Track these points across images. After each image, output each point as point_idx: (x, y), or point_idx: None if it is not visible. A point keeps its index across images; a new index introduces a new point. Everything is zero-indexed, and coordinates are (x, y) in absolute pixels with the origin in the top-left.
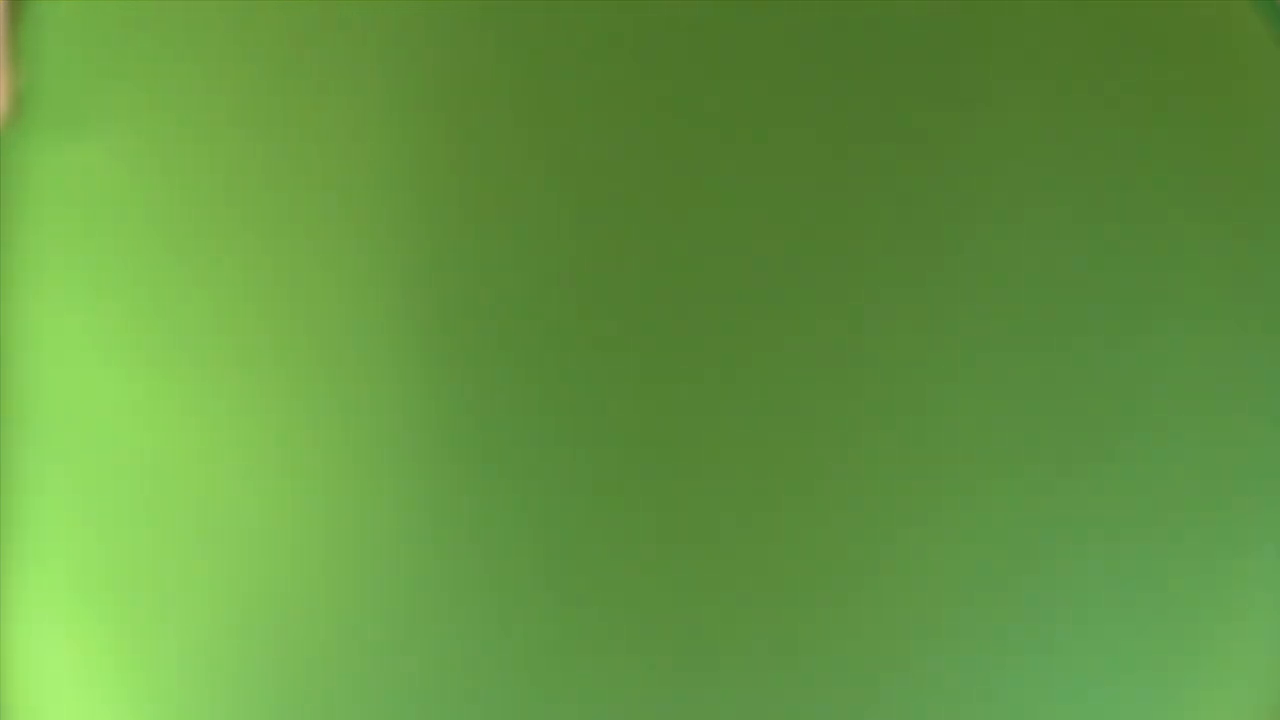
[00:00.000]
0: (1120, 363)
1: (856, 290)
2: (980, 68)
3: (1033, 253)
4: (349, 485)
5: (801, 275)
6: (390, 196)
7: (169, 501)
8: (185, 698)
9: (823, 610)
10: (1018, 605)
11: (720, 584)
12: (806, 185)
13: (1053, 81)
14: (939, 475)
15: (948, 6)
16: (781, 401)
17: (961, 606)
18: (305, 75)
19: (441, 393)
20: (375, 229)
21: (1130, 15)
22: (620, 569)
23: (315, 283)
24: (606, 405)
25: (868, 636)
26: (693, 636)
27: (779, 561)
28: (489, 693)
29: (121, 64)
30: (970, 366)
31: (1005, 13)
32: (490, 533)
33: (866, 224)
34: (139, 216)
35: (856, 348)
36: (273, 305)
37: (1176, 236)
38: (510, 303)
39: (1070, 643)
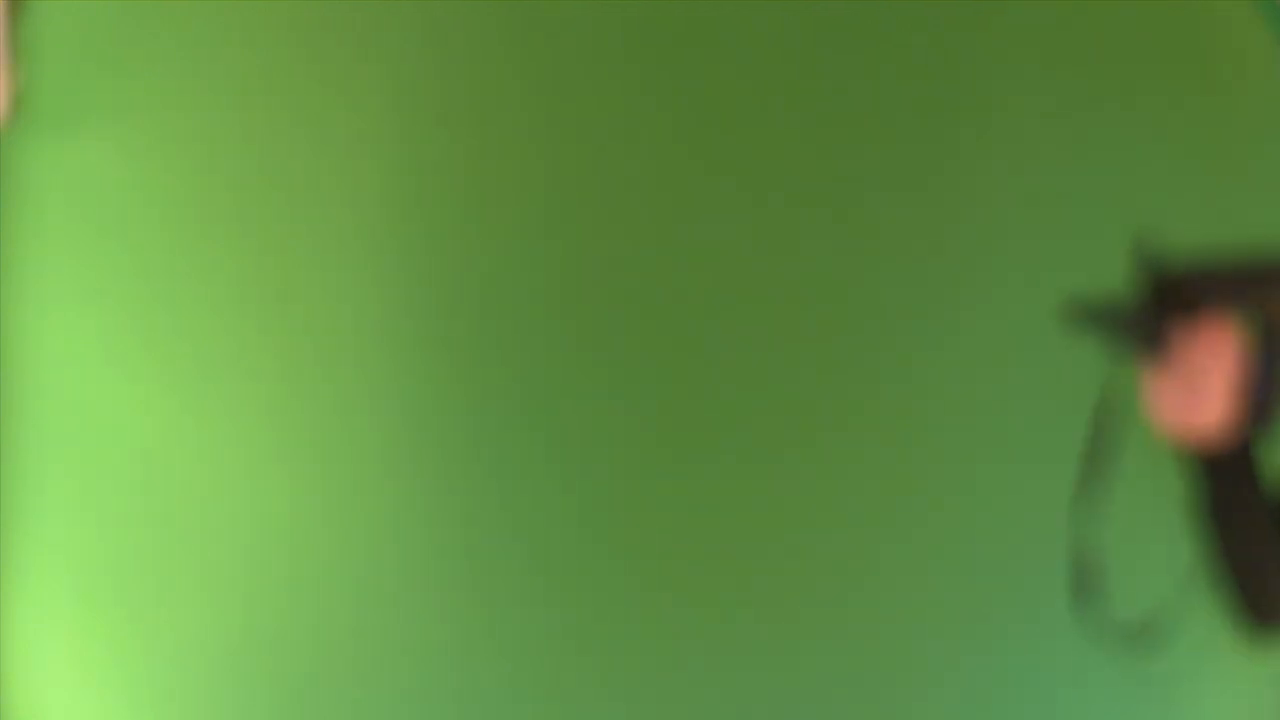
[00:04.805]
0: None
1: (851, 297)
2: (981, 71)
3: (1031, 254)
4: (347, 485)
5: (798, 279)
6: (387, 198)
7: (169, 501)
8: (184, 695)
9: (815, 611)
10: (1015, 604)
11: (710, 584)
12: (804, 189)
13: (1054, 83)
14: (932, 478)
15: (949, 10)
16: (773, 399)
17: (956, 606)
18: (303, 76)
19: (437, 394)
20: (372, 230)
21: (1131, 16)
22: (609, 568)
23: (313, 283)
24: (598, 407)
25: (860, 637)
26: (682, 635)
27: (770, 562)
28: (481, 687)
29: (121, 64)
30: (970, 369)
31: (1006, 14)
32: (484, 530)
33: (868, 229)
34: (138, 216)
35: (852, 353)
36: (271, 305)
37: (1175, 236)
38: (505, 303)
39: (1067, 643)
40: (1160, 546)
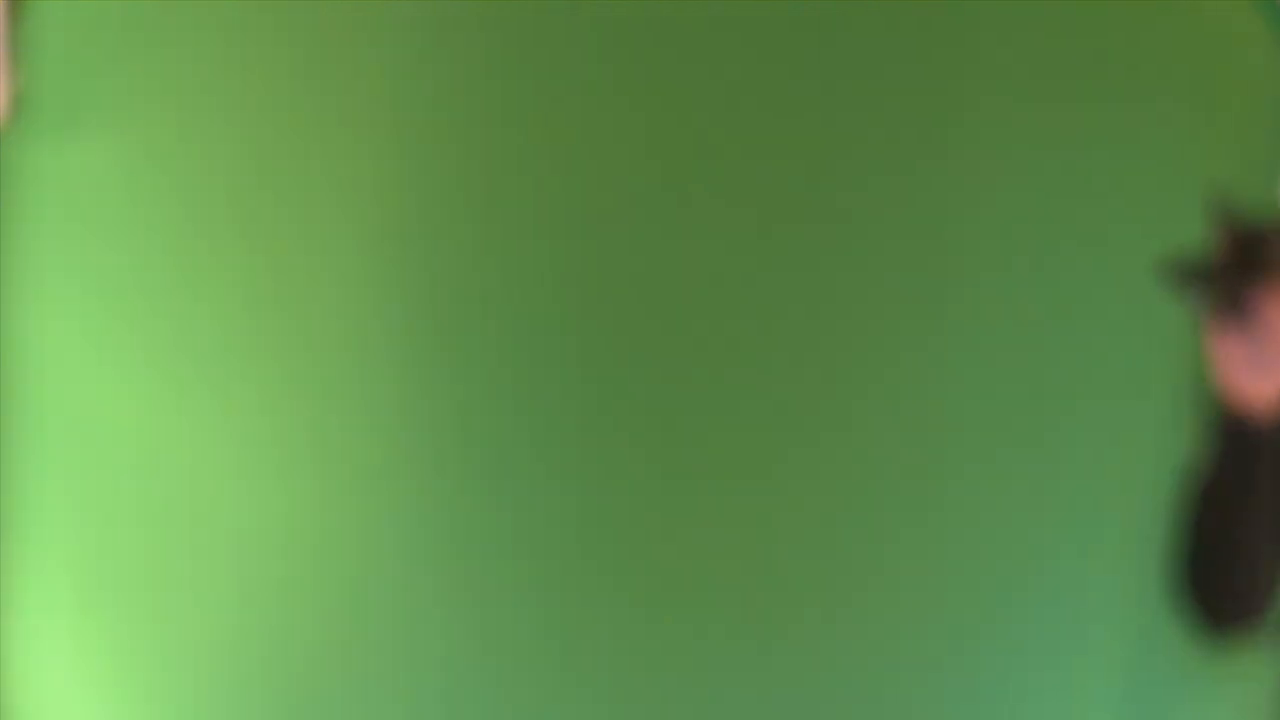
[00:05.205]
0: (1119, 358)
1: (846, 302)
2: (980, 74)
3: (1027, 257)
4: (343, 486)
5: (795, 279)
6: (383, 200)
7: (168, 501)
8: (182, 693)
9: (811, 613)
10: (1014, 601)
11: (705, 586)
12: (799, 190)
13: (1054, 84)
14: (931, 475)
15: (951, 12)
16: (771, 404)
17: (956, 605)
18: (301, 78)
19: (431, 398)
20: (368, 232)
21: (1132, 17)
22: (603, 570)
23: (310, 284)
24: (591, 412)
25: (857, 637)
26: (677, 636)
27: (765, 566)
28: (473, 687)
29: (121, 64)
30: (964, 367)
31: (1011, 16)
32: (477, 532)
33: (864, 229)
34: (137, 216)
35: (849, 358)
36: (268, 306)
37: (1177, 239)
38: (502, 304)
39: (1065, 641)
40: None
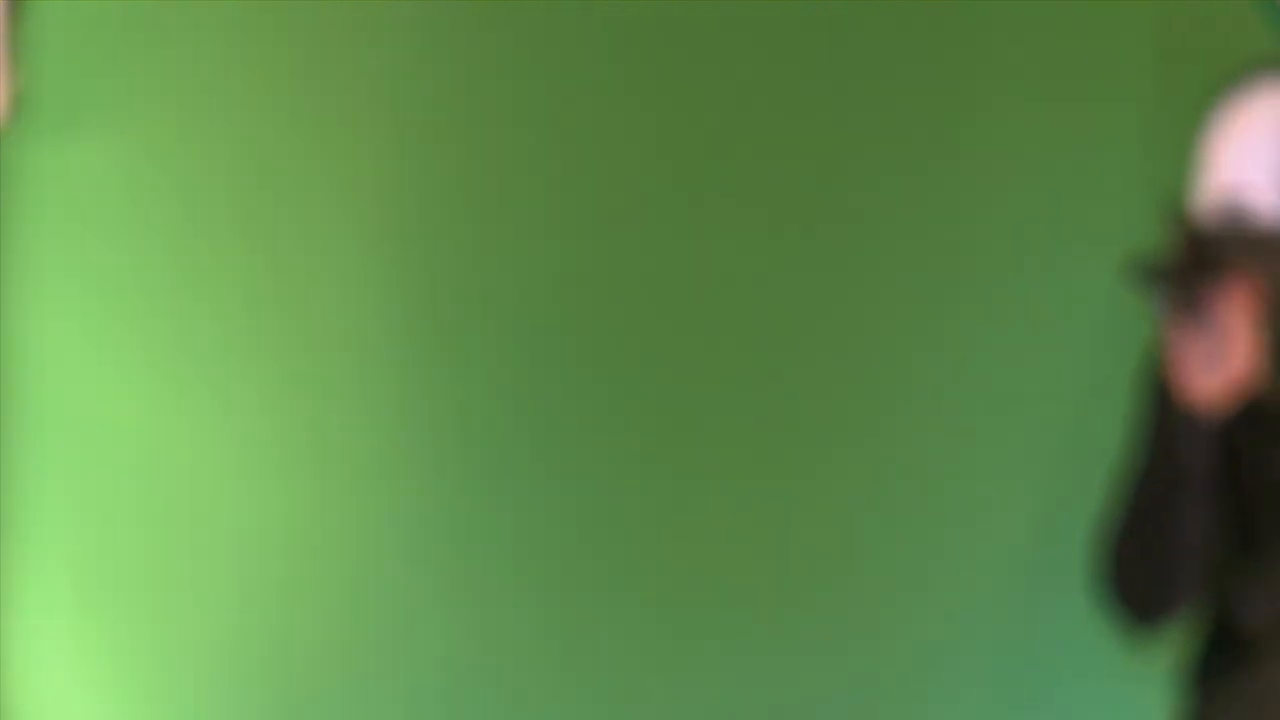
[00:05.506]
0: (1120, 359)
1: (857, 295)
2: (990, 75)
3: (1038, 257)
4: (342, 484)
5: (804, 279)
6: (385, 200)
7: (168, 501)
8: (181, 692)
9: (805, 614)
10: (1018, 601)
11: (714, 585)
12: (809, 190)
13: (1064, 85)
14: (941, 474)
15: (961, 14)
16: (778, 406)
17: (967, 604)
18: (301, 79)
19: (433, 396)
20: (370, 232)
21: (1141, 19)
22: (601, 570)
23: (311, 284)
24: (590, 413)
25: (847, 639)
26: (674, 637)
27: (776, 563)
28: (471, 686)
29: (121, 64)
30: (975, 367)
31: (1016, 17)
32: (475, 532)
33: (874, 229)
34: (137, 215)
35: (855, 350)
36: (268, 305)
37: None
38: (502, 305)
39: (1067, 641)
40: None
